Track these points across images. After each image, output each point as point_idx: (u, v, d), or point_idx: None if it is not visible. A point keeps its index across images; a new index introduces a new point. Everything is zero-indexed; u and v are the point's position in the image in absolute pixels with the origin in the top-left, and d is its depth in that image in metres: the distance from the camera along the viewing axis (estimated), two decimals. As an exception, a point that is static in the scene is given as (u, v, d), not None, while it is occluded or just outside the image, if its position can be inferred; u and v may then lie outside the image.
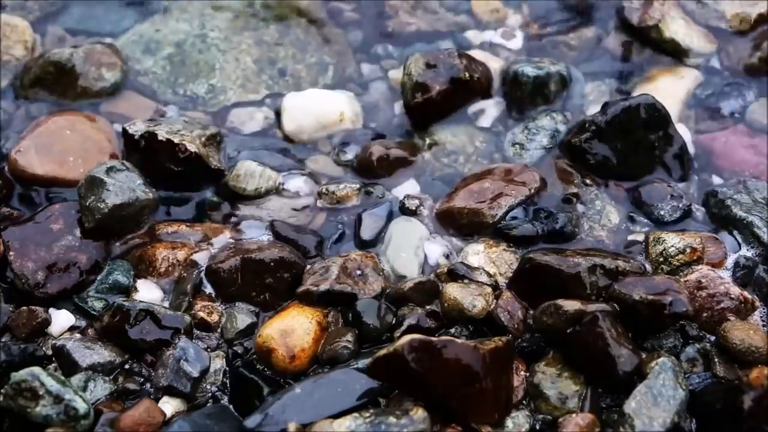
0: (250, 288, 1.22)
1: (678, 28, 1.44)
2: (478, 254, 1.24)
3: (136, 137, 1.28)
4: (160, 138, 1.27)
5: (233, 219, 1.30)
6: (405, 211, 1.29)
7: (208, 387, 1.15)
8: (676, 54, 1.44)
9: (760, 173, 1.33)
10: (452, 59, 1.36)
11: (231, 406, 1.14)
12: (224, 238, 1.27)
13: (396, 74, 1.43)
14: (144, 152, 1.29)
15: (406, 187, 1.33)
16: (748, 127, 1.38)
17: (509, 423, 1.10)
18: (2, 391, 1.06)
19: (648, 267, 1.22)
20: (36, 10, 1.48)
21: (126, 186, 1.24)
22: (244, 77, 1.44)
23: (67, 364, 1.15)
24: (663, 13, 1.45)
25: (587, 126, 1.31)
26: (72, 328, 1.20)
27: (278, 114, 1.39)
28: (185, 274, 1.24)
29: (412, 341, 1.06)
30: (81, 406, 1.06)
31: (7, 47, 1.42)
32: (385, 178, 1.33)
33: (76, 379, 1.13)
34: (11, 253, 1.22)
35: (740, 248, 1.25)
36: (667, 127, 1.31)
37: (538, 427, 1.11)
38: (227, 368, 1.16)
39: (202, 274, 1.24)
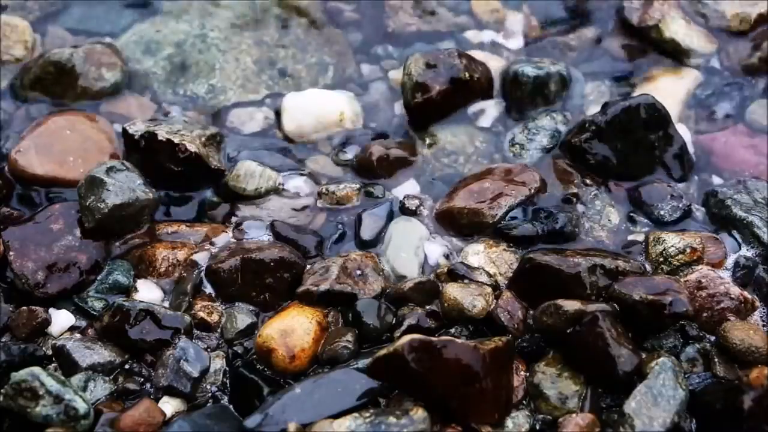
0: (250, 288, 1.22)
1: (678, 28, 1.44)
2: (478, 254, 1.24)
3: (136, 137, 1.28)
4: (160, 138, 1.27)
5: (233, 219, 1.30)
6: (405, 211, 1.29)
7: (208, 387, 1.15)
8: (676, 54, 1.44)
9: (760, 173, 1.33)
10: (452, 59, 1.36)
11: (231, 406, 1.14)
12: (224, 238, 1.27)
13: (396, 74, 1.43)
14: (144, 152, 1.29)
15: (406, 187, 1.33)
16: (748, 127, 1.38)
17: (509, 423, 1.10)
18: (2, 391, 1.06)
19: (648, 267, 1.22)
20: (36, 11, 1.48)
21: (126, 186, 1.24)
22: (244, 77, 1.44)
23: (67, 364, 1.15)
24: (663, 13, 1.45)
25: (587, 126, 1.31)
26: (72, 328, 1.20)
27: (278, 114, 1.40)
28: (185, 274, 1.24)
29: (412, 341, 1.06)
30: (81, 406, 1.06)
31: (7, 47, 1.42)
32: (385, 178, 1.33)
33: (76, 379, 1.13)
34: (11, 253, 1.22)
35: (740, 248, 1.25)
36: (667, 127, 1.31)
37: (538, 427, 1.11)
38: (227, 368, 1.16)
39: (202, 274, 1.24)
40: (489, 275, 1.21)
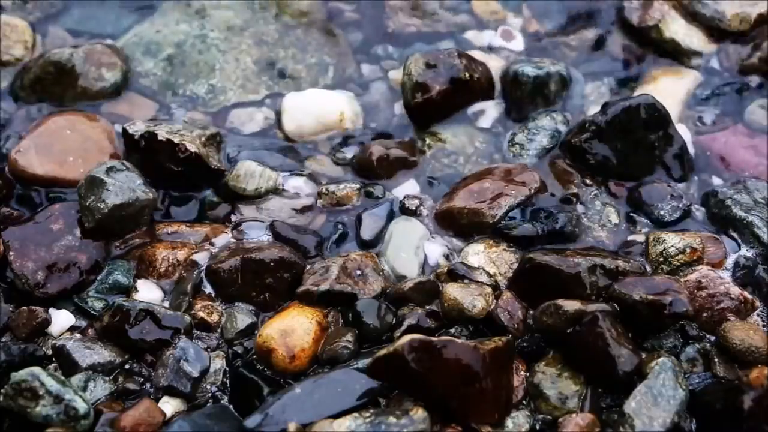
0: (250, 288, 1.22)
1: (678, 28, 1.44)
2: (478, 254, 1.24)
3: (136, 137, 1.28)
4: (160, 138, 1.27)
5: (233, 219, 1.30)
6: (405, 211, 1.29)
7: (208, 387, 1.15)
8: (676, 54, 1.44)
9: (760, 173, 1.33)
10: (452, 59, 1.36)
11: (231, 406, 1.14)
12: (224, 238, 1.27)
13: (396, 74, 1.43)
14: (144, 152, 1.29)
15: (406, 187, 1.33)
16: (748, 127, 1.38)
17: (509, 423, 1.10)
18: (2, 391, 1.06)
19: (648, 267, 1.22)
20: (36, 11, 1.48)
21: (126, 186, 1.24)
22: (244, 77, 1.44)
23: (67, 364, 1.15)
24: (663, 13, 1.45)
25: (587, 126, 1.31)
26: (72, 328, 1.20)
27: (278, 114, 1.40)
28: (185, 274, 1.24)
29: (412, 341, 1.06)
30: (81, 406, 1.06)
31: (7, 47, 1.42)
32: (385, 178, 1.33)
33: (76, 379, 1.13)
34: (11, 253, 1.22)
35: (740, 248, 1.25)
36: (667, 127, 1.31)
37: (538, 427, 1.11)
38: (227, 368, 1.16)
39: (202, 274, 1.24)
40: (489, 275, 1.21)
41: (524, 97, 1.38)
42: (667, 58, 1.45)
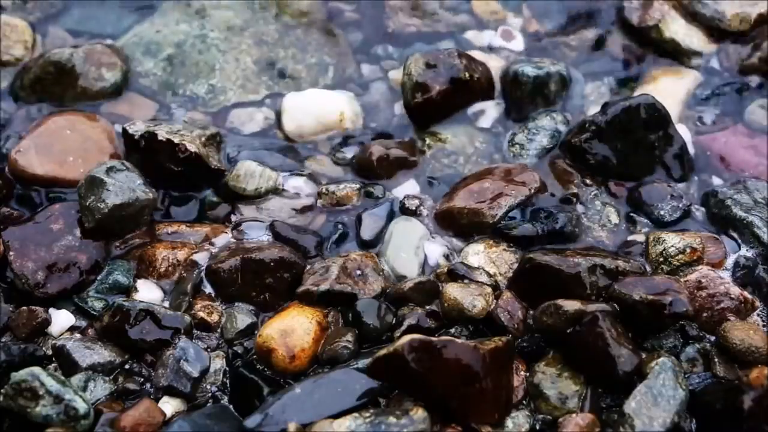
0: (250, 288, 1.22)
1: (678, 28, 1.44)
2: (478, 254, 1.24)
3: (136, 137, 1.28)
4: (160, 138, 1.27)
5: (233, 219, 1.30)
6: (405, 211, 1.29)
7: (208, 387, 1.15)
8: (676, 54, 1.44)
9: (760, 173, 1.33)
10: (452, 59, 1.36)
11: (231, 406, 1.14)
12: (224, 238, 1.27)
13: (396, 74, 1.43)
14: (144, 152, 1.29)
15: (406, 187, 1.33)
16: (748, 127, 1.38)
17: (509, 423, 1.10)
18: (2, 391, 1.06)
19: (648, 267, 1.22)
20: (36, 11, 1.48)
21: (126, 186, 1.24)
22: (244, 77, 1.44)
23: (67, 364, 1.15)
24: (663, 13, 1.45)
25: (587, 126, 1.31)
26: (72, 328, 1.20)
27: (278, 114, 1.40)
28: (185, 274, 1.24)
29: (412, 341, 1.06)
30: (81, 406, 1.06)
31: (7, 47, 1.42)
32: (385, 178, 1.33)
33: (76, 379, 1.13)
34: (11, 253, 1.22)
35: (740, 248, 1.25)
36: (667, 127, 1.31)
37: (538, 427, 1.11)
38: (227, 368, 1.16)
39: (202, 274, 1.24)
40: (489, 275, 1.21)
41: (524, 97, 1.38)
42: (667, 58, 1.45)
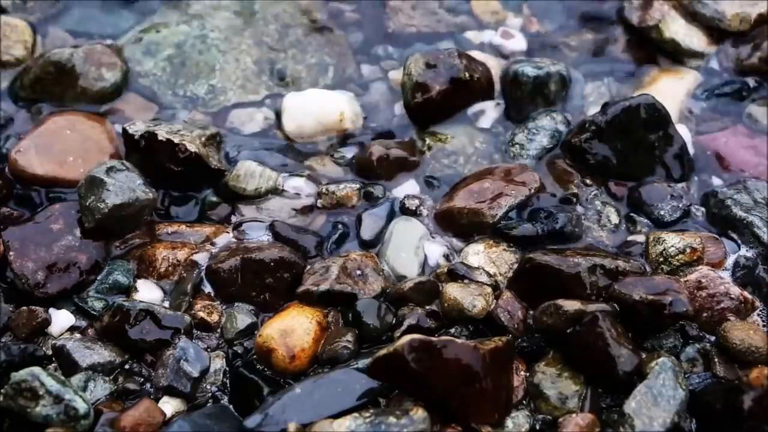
0: (250, 288, 1.22)
1: (678, 28, 1.44)
2: (478, 254, 1.24)
3: (136, 137, 1.28)
4: (160, 138, 1.27)
5: (233, 219, 1.30)
6: (405, 211, 1.30)
7: (208, 387, 1.15)
8: (676, 54, 1.44)
9: (760, 173, 1.33)
10: (452, 59, 1.36)
11: (231, 406, 1.14)
12: (224, 238, 1.27)
13: (396, 75, 1.43)
14: (144, 152, 1.29)
15: (406, 187, 1.33)
16: (748, 127, 1.38)
17: (509, 423, 1.10)
18: (2, 391, 1.06)
19: (648, 267, 1.22)
20: (36, 12, 1.48)
21: (126, 186, 1.24)
22: (244, 78, 1.44)
23: (67, 364, 1.15)
24: (663, 14, 1.45)
25: (587, 126, 1.31)
26: (72, 328, 1.20)
27: (278, 114, 1.40)
28: (185, 274, 1.24)
29: (412, 341, 1.06)
30: (81, 406, 1.06)
31: (7, 47, 1.42)
32: (385, 179, 1.33)
33: (76, 379, 1.13)
34: (11, 253, 1.22)
35: (740, 248, 1.25)
36: (667, 127, 1.31)
37: (538, 427, 1.11)
38: (227, 368, 1.16)
39: (202, 274, 1.24)
40: (489, 275, 1.21)
41: (524, 97, 1.38)
42: (667, 58, 1.45)
